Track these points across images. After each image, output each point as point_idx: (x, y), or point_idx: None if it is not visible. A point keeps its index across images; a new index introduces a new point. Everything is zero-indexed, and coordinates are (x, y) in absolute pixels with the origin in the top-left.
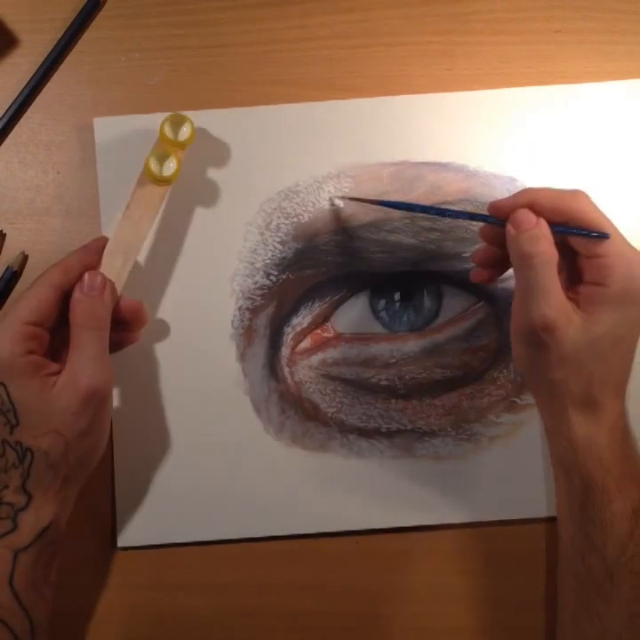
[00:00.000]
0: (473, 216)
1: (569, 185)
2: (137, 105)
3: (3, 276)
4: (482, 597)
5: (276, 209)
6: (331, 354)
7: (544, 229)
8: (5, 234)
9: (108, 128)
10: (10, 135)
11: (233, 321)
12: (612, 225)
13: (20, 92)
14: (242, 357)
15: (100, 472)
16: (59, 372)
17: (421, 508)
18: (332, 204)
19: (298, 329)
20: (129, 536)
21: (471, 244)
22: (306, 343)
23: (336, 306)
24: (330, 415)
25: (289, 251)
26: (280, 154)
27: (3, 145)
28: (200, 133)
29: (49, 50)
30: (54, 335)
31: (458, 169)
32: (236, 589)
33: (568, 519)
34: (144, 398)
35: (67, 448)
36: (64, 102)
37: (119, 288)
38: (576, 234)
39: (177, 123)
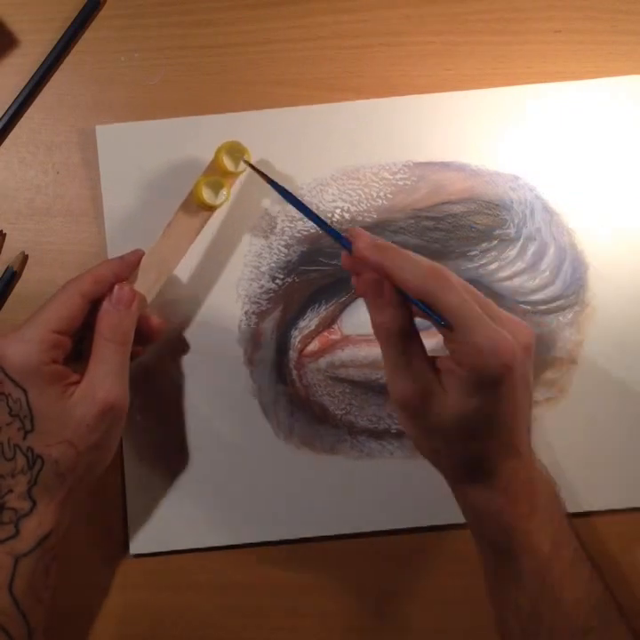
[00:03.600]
0: (334, 233)
1: (569, 184)
2: (137, 105)
3: (3, 276)
4: (484, 598)
5: (280, 212)
6: (338, 356)
7: (389, 297)
8: (5, 234)
9: (110, 136)
10: (10, 135)
11: (240, 325)
12: (469, 309)
13: (20, 92)
14: (250, 361)
15: (111, 479)
16: (78, 382)
17: (433, 509)
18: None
19: (305, 332)
20: (142, 543)
21: (476, 243)
22: (313, 346)
23: (343, 308)
24: (339, 417)
25: (294, 254)
26: (283, 157)
27: (3, 145)
28: (203, 139)
29: (49, 50)
30: (75, 339)
31: (460, 168)
32: (236, 589)
33: (485, 574)
34: (153, 404)
35: (77, 459)
36: (64, 102)
37: (148, 304)
38: (428, 314)
39: (232, 150)
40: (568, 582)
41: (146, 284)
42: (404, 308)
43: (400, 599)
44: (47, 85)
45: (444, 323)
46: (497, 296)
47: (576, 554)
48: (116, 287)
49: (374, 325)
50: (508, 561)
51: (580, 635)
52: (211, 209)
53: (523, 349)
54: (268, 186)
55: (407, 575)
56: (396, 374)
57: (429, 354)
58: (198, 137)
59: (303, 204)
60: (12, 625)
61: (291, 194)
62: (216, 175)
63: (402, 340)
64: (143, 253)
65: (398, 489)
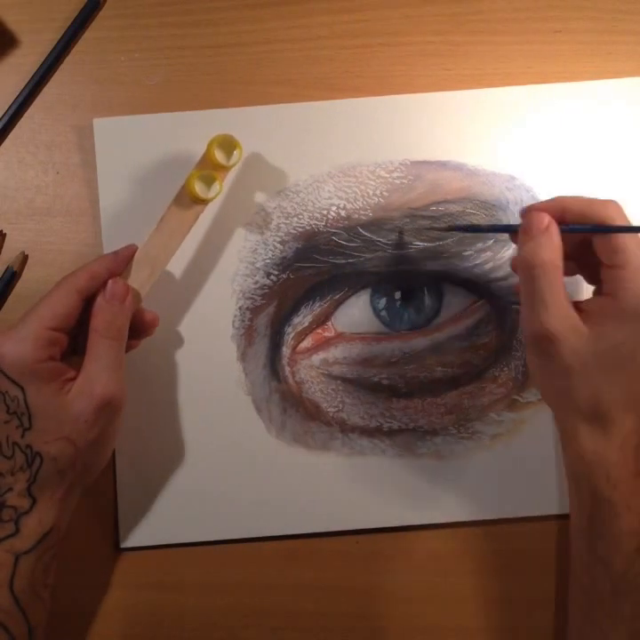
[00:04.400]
0: (508, 227)
1: (568, 183)
2: (137, 105)
3: (3, 276)
4: (483, 597)
5: (275, 208)
6: (332, 353)
7: (551, 237)
8: (5, 234)
9: (107, 129)
10: (10, 135)
11: (234, 321)
12: (638, 238)
13: (20, 92)
14: (243, 357)
15: (102, 473)
16: (74, 378)
17: (423, 507)
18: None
19: (299, 328)
20: (132, 537)
21: (472, 243)
22: (307, 343)
23: (337, 305)
24: (331, 414)
25: (289, 250)
26: (280, 153)
27: (3, 145)
28: (200, 134)
29: (49, 50)
30: (71, 335)
31: (457, 168)
32: (235, 589)
33: (577, 530)
34: (145, 399)
35: (76, 455)
36: (64, 102)
37: (142, 299)
38: (588, 230)
39: (224, 143)
40: None
41: (140, 278)
42: (562, 246)
43: (393, 598)
44: (47, 85)
45: (610, 228)
46: (491, 296)
47: None
48: (110, 282)
49: (528, 266)
50: (608, 516)
51: None
52: (203, 202)
53: None
54: (267, 185)
55: (400, 573)
56: (544, 310)
57: (428, 352)
58: (196, 131)
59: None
60: (12, 623)
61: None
62: (208, 169)
63: (556, 276)
64: (136, 248)
65: (390, 487)
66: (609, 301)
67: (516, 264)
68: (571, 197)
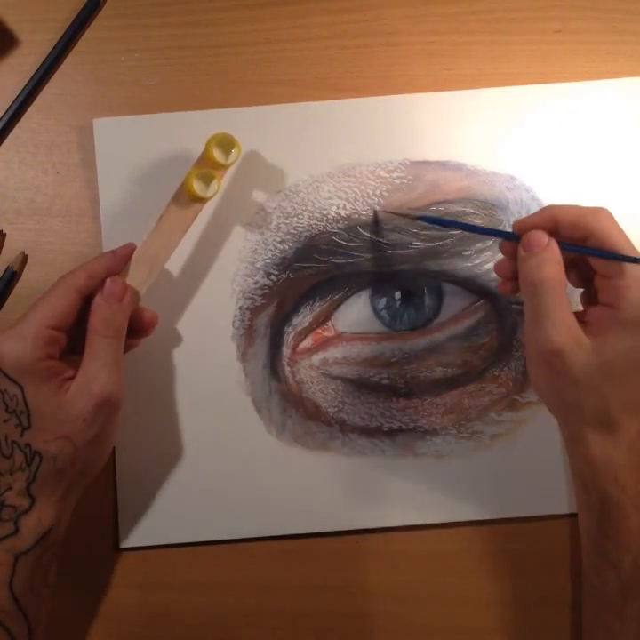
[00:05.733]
0: (498, 233)
1: (568, 182)
2: (137, 105)
3: (3, 276)
4: (483, 597)
5: (275, 208)
6: (332, 353)
7: (553, 253)
8: (5, 234)
9: (107, 129)
10: (10, 135)
11: (234, 321)
12: (632, 246)
13: (20, 92)
14: (243, 357)
15: (102, 473)
16: (73, 377)
17: (423, 507)
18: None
19: (299, 328)
20: (131, 537)
21: (472, 243)
22: (307, 343)
23: (337, 305)
24: (331, 414)
25: (289, 250)
26: (279, 153)
27: (3, 145)
28: (199, 133)
29: (49, 50)
30: (70, 334)
31: (457, 167)
32: (235, 589)
33: (586, 533)
34: (145, 399)
35: (75, 454)
36: (64, 102)
37: (140, 297)
38: (590, 253)
39: (223, 142)
40: None
41: (138, 277)
42: (562, 264)
43: (393, 598)
44: (47, 85)
45: (610, 255)
46: (491, 296)
47: None
48: (108, 281)
49: (533, 283)
50: (617, 517)
51: None
52: (202, 201)
53: None
54: (267, 185)
55: (400, 573)
56: (549, 325)
57: (428, 352)
58: (195, 131)
59: (454, 222)
60: (12, 623)
61: (440, 219)
62: (207, 167)
63: (561, 291)
64: (135, 247)
65: (390, 487)
66: (609, 312)
67: (499, 270)
68: (561, 207)
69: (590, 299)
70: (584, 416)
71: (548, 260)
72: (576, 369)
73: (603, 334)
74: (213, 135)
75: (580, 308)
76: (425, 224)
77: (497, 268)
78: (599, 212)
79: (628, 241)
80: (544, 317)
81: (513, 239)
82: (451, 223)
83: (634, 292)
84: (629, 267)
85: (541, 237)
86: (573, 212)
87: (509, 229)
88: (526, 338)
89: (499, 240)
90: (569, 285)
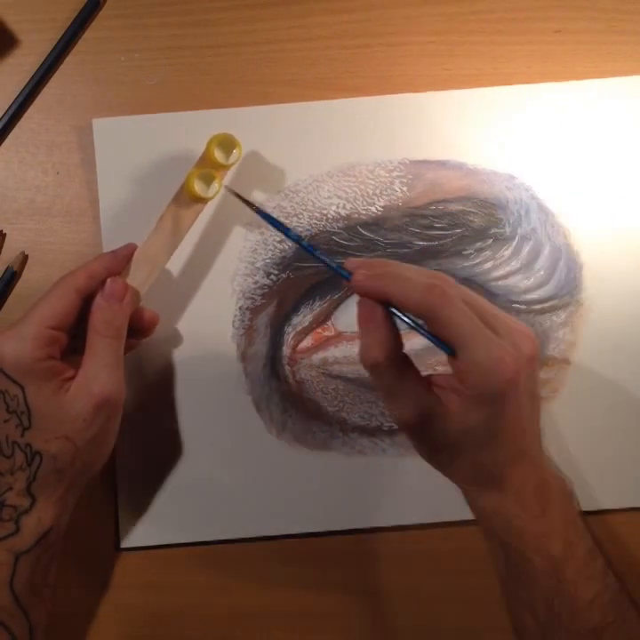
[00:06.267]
0: (329, 265)
1: (565, 184)
2: (137, 105)
3: (3, 276)
4: (483, 597)
5: (275, 208)
6: (332, 352)
7: (389, 330)
8: (5, 234)
9: (106, 129)
10: (10, 135)
11: (234, 321)
12: (469, 325)
13: (20, 92)
14: (243, 357)
15: (102, 473)
16: (73, 377)
17: (423, 507)
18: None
19: (299, 328)
20: (132, 537)
21: (471, 242)
22: (307, 342)
23: (337, 304)
24: (331, 414)
25: (289, 250)
26: (279, 153)
27: (3, 145)
28: (199, 133)
29: (49, 50)
30: (71, 334)
31: (456, 167)
32: (235, 589)
33: (499, 578)
34: (145, 399)
35: (75, 454)
36: (64, 102)
37: (141, 298)
38: (430, 339)
39: (224, 143)
40: (582, 580)
41: (139, 277)
42: (396, 337)
43: (393, 598)
44: (47, 85)
45: (446, 349)
46: (491, 295)
47: (589, 551)
48: (108, 281)
49: (369, 359)
50: (521, 562)
51: (599, 631)
52: (202, 201)
53: (527, 361)
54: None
55: (400, 573)
56: (395, 402)
57: (428, 350)
58: (195, 131)
59: (293, 235)
60: (13, 622)
61: (277, 221)
62: (208, 167)
63: (397, 367)
64: (136, 247)
65: (391, 486)
66: (460, 386)
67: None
68: (404, 283)
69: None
70: (464, 477)
71: (376, 335)
72: (440, 437)
73: (460, 404)
74: (214, 135)
75: None
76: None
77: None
78: (440, 295)
79: (468, 322)
80: (390, 395)
81: (344, 277)
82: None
83: (472, 377)
84: (465, 355)
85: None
86: (415, 296)
87: (509, 229)
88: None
89: (500, 239)
90: None
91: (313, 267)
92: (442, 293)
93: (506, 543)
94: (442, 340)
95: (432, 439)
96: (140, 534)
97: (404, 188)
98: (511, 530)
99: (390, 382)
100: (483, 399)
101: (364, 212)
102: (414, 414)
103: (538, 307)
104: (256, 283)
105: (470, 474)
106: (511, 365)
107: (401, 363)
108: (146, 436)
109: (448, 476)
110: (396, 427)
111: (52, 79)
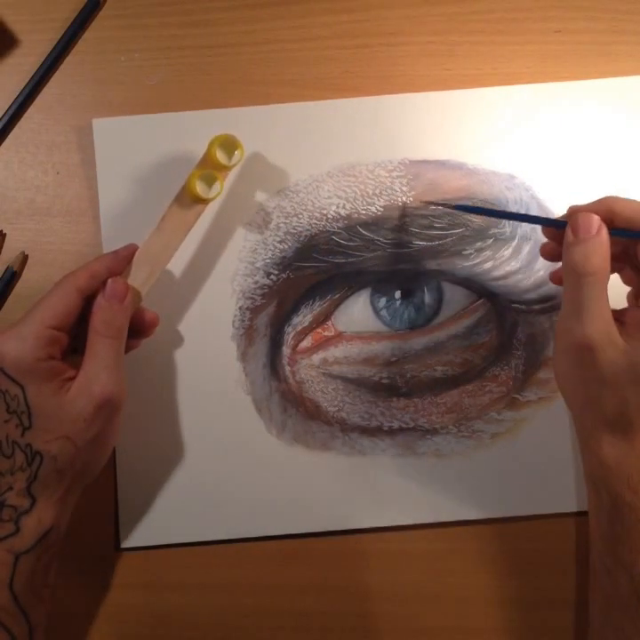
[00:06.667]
0: (547, 220)
1: (565, 184)
2: (137, 105)
3: (3, 276)
4: (484, 597)
5: (275, 208)
6: (332, 352)
7: (602, 242)
8: (5, 234)
9: (106, 129)
10: (10, 135)
11: (234, 321)
12: None
13: (20, 92)
14: (243, 357)
15: (102, 473)
16: (74, 377)
17: (423, 507)
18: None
19: (299, 328)
20: (132, 537)
21: (472, 242)
22: (307, 342)
23: (337, 304)
24: (331, 414)
25: (289, 250)
26: (279, 153)
27: (3, 145)
28: (199, 133)
29: (49, 50)
30: (72, 334)
31: (456, 166)
32: (235, 589)
33: (597, 533)
34: (145, 399)
35: (75, 454)
36: (64, 102)
37: (142, 298)
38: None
39: (225, 143)
40: None
41: (140, 278)
42: (609, 255)
43: (393, 598)
44: (47, 85)
45: None
46: (491, 295)
47: None
48: (109, 282)
49: (576, 273)
50: (629, 520)
51: None
52: (204, 202)
53: None
54: (267, 185)
55: (400, 573)
56: (589, 320)
57: (428, 351)
58: (196, 131)
59: (499, 212)
60: (12, 623)
61: (482, 208)
62: (209, 168)
63: (604, 285)
64: (137, 248)
65: (390, 486)
66: None
67: (545, 253)
68: (619, 200)
69: (637, 299)
70: (602, 414)
71: (596, 251)
72: (604, 366)
73: (637, 338)
74: (216, 136)
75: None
76: (459, 213)
77: (543, 250)
78: None
79: None
80: (584, 311)
81: (561, 227)
82: (491, 213)
83: None
84: None
85: (591, 222)
86: (632, 206)
87: (509, 229)
88: (560, 326)
89: (501, 239)
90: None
91: (313, 267)
92: None
93: (618, 496)
94: None
95: (597, 369)
96: (140, 534)
97: (404, 188)
98: (629, 484)
99: (594, 297)
100: None
101: (363, 212)
102: (601, 337)
103: (538, 307)
104: (256, 283)
105: (611, 413)
106: None
107: (607, 281)
108: (146, 436)
109: (584, 412)
110: (395, 426)
111: (52, 79)
